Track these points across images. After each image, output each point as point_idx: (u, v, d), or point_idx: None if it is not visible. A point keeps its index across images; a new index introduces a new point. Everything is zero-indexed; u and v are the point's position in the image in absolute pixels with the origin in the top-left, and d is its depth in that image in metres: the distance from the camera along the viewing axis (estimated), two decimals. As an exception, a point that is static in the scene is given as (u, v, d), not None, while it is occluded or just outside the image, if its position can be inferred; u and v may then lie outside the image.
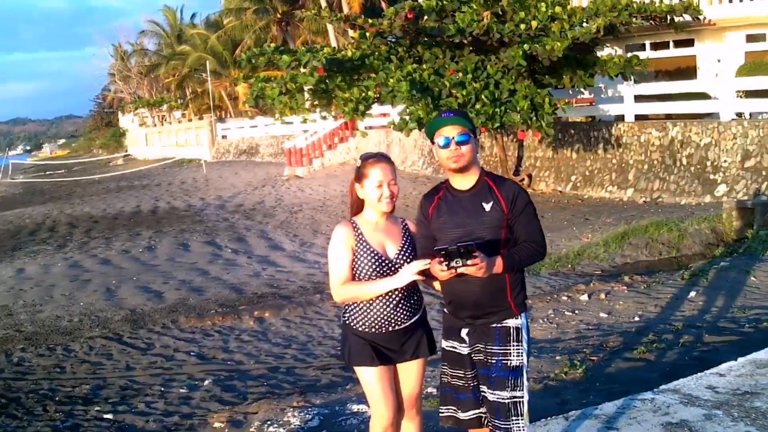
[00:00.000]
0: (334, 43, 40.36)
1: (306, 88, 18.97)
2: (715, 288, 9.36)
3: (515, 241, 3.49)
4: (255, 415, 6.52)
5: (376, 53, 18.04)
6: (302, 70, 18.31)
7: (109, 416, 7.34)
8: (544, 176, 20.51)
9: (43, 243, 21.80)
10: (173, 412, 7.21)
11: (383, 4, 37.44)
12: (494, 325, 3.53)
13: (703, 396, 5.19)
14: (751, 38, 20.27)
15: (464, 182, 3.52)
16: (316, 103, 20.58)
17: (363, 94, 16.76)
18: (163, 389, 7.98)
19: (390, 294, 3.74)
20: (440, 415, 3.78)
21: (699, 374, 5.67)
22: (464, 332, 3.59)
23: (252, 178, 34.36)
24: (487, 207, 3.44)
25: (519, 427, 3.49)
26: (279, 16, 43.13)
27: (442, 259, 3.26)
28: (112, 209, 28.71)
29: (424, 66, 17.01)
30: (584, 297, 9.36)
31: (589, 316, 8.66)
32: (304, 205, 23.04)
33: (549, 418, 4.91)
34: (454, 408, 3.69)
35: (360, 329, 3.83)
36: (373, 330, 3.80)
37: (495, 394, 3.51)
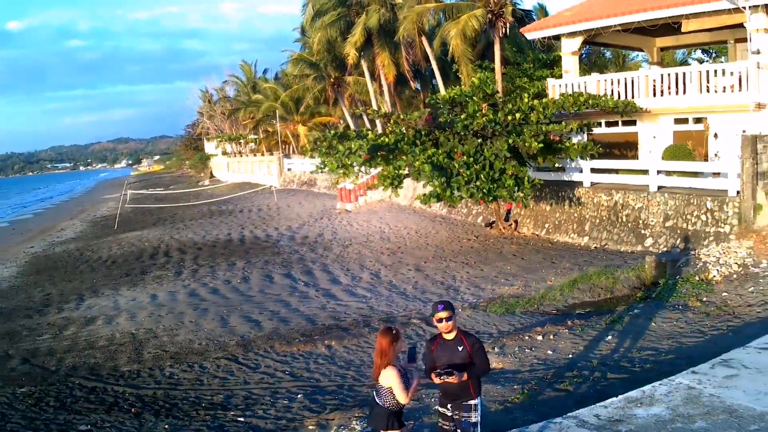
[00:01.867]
0: (373, 101, 42.46)
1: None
2: (625, 332, 11.24)
3: (474, 365, 5.66)
4: (333, 421, 8.58)
5: (406, 138, 20.10)
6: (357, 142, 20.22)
7: (241, 419, 9.37)
8: (526, 222, 22.45)
9: (163, 268, 23.49)
10: (281, 417, 9.19)
11: (410, 79, 39.43)
12: (463, 402, 5.71)
13: (590, 421, 7.22)
14: (677, 121, 22.00)
15: (449, 336, 5.67)
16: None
17: (396, 172, 18.89)
18: (271, 400, 9.95)
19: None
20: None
21: (592, 406, 7.66)
22: (448, 406, 5.77)
23: (312, 209, 36.12)
24: (460, 349, 5.61)
25: None
26: (332, 80, 44.97)
27: (436, 375, 5.48)
28: (210, 236, 30.49)
29: (440, 150, 19.04)
30: (539, 337, 11.30)
31: (540, 352, 10.60)
32: (352, 240, 24.75)
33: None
34: None
35: None
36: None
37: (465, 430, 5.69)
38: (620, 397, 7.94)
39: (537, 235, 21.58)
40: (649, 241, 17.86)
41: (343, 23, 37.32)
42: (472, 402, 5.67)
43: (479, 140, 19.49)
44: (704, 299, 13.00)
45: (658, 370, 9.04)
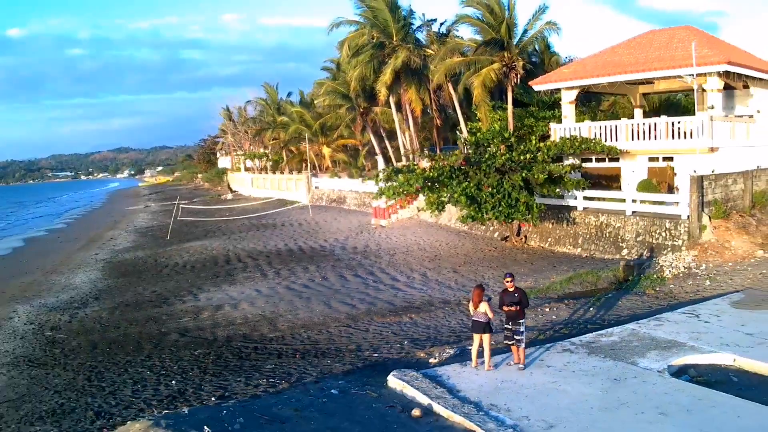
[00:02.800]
0: (398, 129, 49.38)
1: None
2: (601, 307, 18.03)
3: (522, 303, 12.42)
4: (433, 350, 15.21)
5: (445, 172, 26.91)
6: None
7: (375, 355, 15.90)
8: (533, 237, 29.29)
9: (245, 272, 29.82)
10: (400, 352, 15.61)
11: (435, 114, 46.44)
12: (517, 320, 12.44)
13: (576, 342, 13.99)
14: (651, 159, 28.89)
15: (510, 288, 12.34)
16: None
17: (440, 199, 25.73)
18: (387, 345, 16.39)
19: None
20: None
21: (578, 336, 14.49)
22: (509, 323, 12.51)
23: (348, 224, 42.73)
24: (516, 295, 12.36)
25: (522, 344, 12.46)
26: (362, 110, 51.52)
27: (506, 306, 12.31)
28: (270, 246, 36.92)
29: (471, 183, 25.87)
30: (547, 309, 18.09)
31: (548, 317, 17.37)
32: (395, 249, 31.49)
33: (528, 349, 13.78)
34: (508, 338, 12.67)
35: None
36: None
37: (518, 335, 12.46)
38: (593, 333, 14.75)
39: (542, 246, 28.42)
40: (624, 251, 24.75)
41: (376, 63, 44.21)
42: (521, 321, 12.42)
43: (499, 175, 26.31)
44: (657, 289, 19.82)
45: (617, 323, 15.86)
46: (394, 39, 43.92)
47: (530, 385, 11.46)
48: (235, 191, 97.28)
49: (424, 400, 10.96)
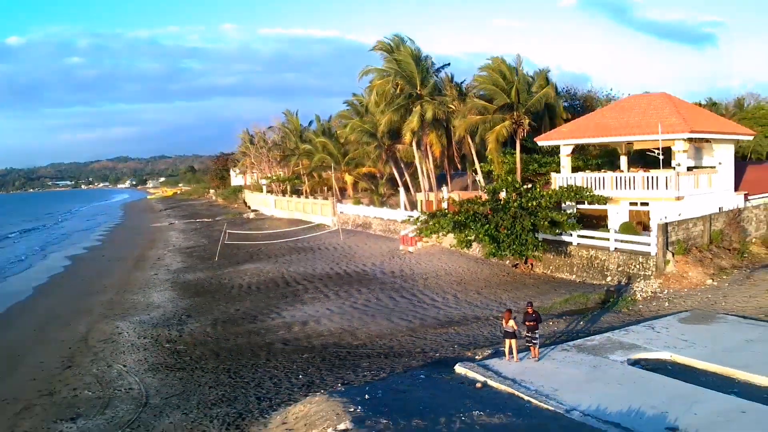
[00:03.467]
0: (417, 165, 57.52)
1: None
2: (588, 321, 25.98)
3: (537, 319, 20.43)
4: (477, 350, 23.16)
5: (469, 216, 34.95)
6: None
7: (437, 354, 23.86)
8: (538, 265, 37.30)
9: (308, 293, 36.69)
10: (454, 352, 23.58)
11: (455, 154, 54.66)
12: (534, 331, 20.44)
13: (571, 345, 22.03)
14: (631, 203, 37.02)
15: (529, 310, 20.44)
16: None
17: (467, 238, 33.81)
18: (443, 348, 24.37)
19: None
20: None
21: (570, 342, 22.49)
22: (528, 332, 20.50)
23: (379, 249, 50.53)
24: (533, 314, 20.39)
25: (537, 346, 20.49)
26: (386, 146, 59.67)
27: (527, 321, 20.35)
28: (319, 270, 44.28)
29: (491, 225, 33.91)
30: (550, 323, 26.12)
31: (550, 329, 25.38)
32: (426, 274, 39.35)
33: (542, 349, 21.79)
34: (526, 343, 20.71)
35: None
36: None
37: (534, 340, 20.49)
38: (581, 339, 22.79)
39: (545, 273, 36.48)
40: (608, 278, 32.83)
41: (404, 110, 52.43)
42: (536, 331, 20.42)
43: (512, 219, 34.38)
44: (630, 309, 27.86)
45: (598, 332, 23.89)
46: (418, 88, 52.15)
47: (542, 369, 19.44)
48: (255, 210, 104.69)
49: (482, 378, 18.91)
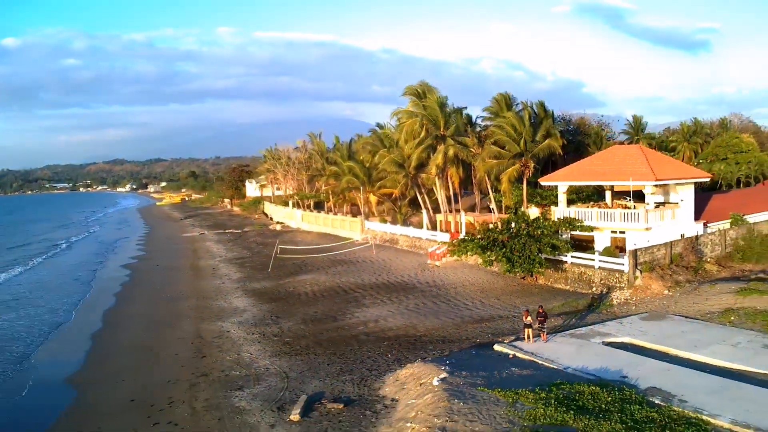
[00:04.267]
0: (437, 190, 69.99)
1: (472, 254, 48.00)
2: (578, 318, 38.36)
3: (545, 315, 32.82)
4: (503, 338, 35.34)
5: (490, 242, 47.27)
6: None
7: (478, 340, 36.13)
8: (541, 278, 49.70)
9: (365, 299, 49.15)
10: (489, 338, 35.67)
11: (475, 190, 67.24)
12: (543, 324, 32.81)
13: (566, 334, 34.43)
14: (612, 231, 49.52)
15: (540, 310, 32.84)
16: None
17: (489, 259, 46.17)
18: (483, 336, 36.57)
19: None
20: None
21: (564, 332, 34.83)
22: (538, 324, 32.88)
23: (409, 263, 62.55)
24: (543, 313, 32.78)
25: (545, 333, 32.91)
26: (412, 175, 72.20)
27: (539, 317, 32.83)
28: (366, 280, 55.96)
29: (507, 249, 46.25)
30: (552, 320, 38.37)
31: (552, 324, 37.66)
32: (455, 284, 51.53)
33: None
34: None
35: None
36: None
37: (543, 329, 32.89)
38: (572, 330, 35.23)
39: (546, 284, 48.94)
40: (594, 289, 45.34)
41: (431, 149, 64.95)
42: (544, 323, 32.73)
43: (523, 244, 46.72)
44: (607, 310, 40.32)
45: (584, 326, 36.34)
46: (442, 129, 64.63)
47: (549, 347, 31.74)
48: (280, 222, 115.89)
49: (512, 352, 31.20)
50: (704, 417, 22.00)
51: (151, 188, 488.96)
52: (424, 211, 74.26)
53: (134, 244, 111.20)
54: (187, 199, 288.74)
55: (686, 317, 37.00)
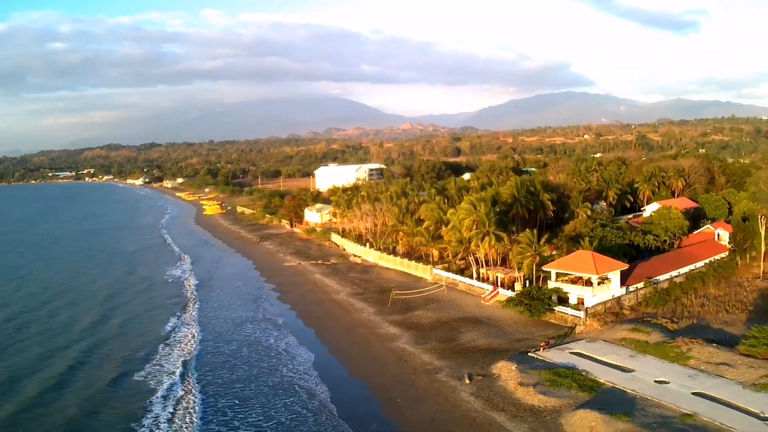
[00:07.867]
0: (482, 258, 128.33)
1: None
2: (560, 340, 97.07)
3: (550, 345, 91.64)
4: (532, 349, 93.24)
5: (517, 299, 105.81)
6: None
7: (521, 350, 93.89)
8: (544, 317, 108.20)
9: (464, 327, 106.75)
10: (525, 349, 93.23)
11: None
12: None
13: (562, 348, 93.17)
14: (578, 296, 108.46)
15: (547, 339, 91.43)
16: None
17: (519, 308, 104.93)
18: (521, 347, 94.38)
19: None
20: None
21: (562, 344, 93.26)
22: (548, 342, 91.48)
23: (470, 302, 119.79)
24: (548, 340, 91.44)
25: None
26: (466, 245, 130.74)
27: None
28: (452, 315, 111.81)
29: (528, 305, 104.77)
30: (552, 339, 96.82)
31: (550, 343, 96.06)
32: (500, 319, 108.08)
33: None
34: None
35: None
36: None
37: (547, 347, 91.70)
38: (557, 346, 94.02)
39: (547, 321, 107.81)
40: (568, 324, 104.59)
41: (482, 235, 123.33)
42: (549, 346, 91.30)
43: (534, 300, 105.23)
44: (573, 337, 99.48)
45: (562, 345, 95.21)
46: (487, 226, 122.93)
47: (548, 355, 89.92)
48: (357, 256, 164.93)
49: (535, 356, 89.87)
50: (595, 378, 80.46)
51: (167, 183, 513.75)
52: (474, 266, 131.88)
53: (259, 276, 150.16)
54: (225, 204, 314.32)
55: (605, 341, 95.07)
